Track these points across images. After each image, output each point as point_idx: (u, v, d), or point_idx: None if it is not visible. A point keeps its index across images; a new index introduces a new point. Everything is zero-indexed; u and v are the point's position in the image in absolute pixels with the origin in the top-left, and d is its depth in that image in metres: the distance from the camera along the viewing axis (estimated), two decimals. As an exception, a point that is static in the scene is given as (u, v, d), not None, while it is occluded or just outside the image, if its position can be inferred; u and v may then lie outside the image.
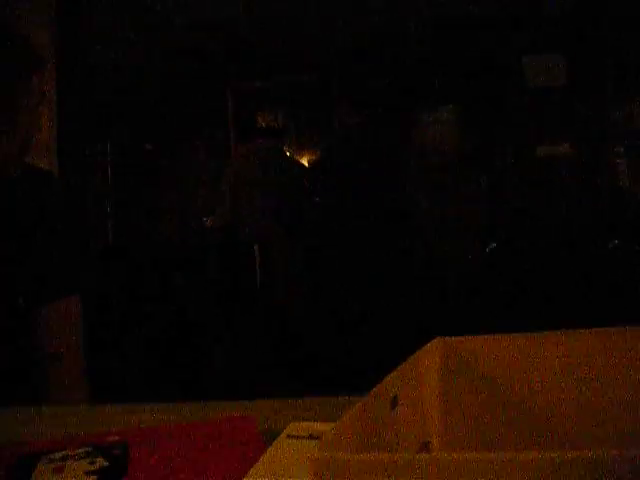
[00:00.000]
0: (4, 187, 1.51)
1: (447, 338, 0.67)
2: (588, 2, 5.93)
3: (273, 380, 3.98)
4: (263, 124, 5.04)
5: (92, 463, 0.89)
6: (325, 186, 4.80)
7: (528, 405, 0.62)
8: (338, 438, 0.46)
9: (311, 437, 0.88)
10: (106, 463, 0.89)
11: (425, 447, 0.62)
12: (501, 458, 0.38)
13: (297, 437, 0.89)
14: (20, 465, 0.90)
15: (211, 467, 0.87)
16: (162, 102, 6.97)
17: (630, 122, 6.08)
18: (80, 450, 0.92)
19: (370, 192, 4.49)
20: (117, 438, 0.97)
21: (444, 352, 0.65)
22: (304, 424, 0.92)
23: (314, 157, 6.80)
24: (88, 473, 0.86)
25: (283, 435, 0.90)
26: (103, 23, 5.44)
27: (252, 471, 0.80)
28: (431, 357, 0.65)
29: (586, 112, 6.12)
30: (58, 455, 0.91)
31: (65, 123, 3.22)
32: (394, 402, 0.58)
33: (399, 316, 4.17)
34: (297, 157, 6.92)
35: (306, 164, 6.82)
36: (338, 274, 4.54)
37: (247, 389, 3.71)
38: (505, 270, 5.01)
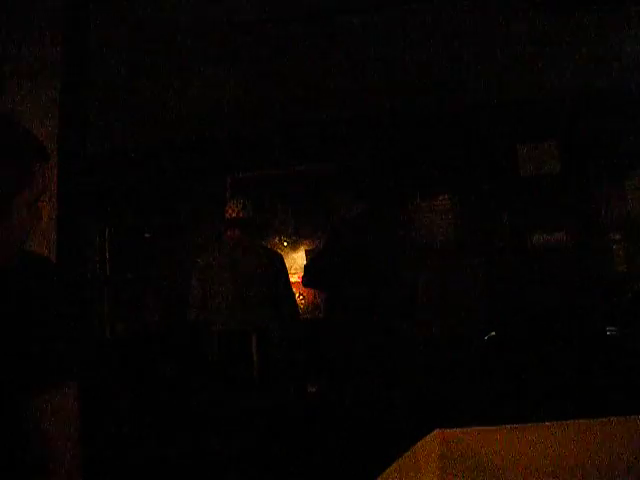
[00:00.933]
0: (2, 274, 1.50)
1: (446, 431, 0.67)
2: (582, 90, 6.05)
3: (271, 470, 3.93)
4: (233, 215, 4.95)
5: None
6: (323, 277, 4.80)
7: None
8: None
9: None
10: None
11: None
12: None
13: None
14: None
15: None
16: (165, 192, 7.05)
17: (625, 208, 6.14)
18: None
19: (369, 280, 4.51)
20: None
21: (443, 444, 0.65)
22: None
23: (311, 247, 6.82)
24: None
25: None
26: (103, 113, 5.55)
27: None
28: (430, 449, 0.65)
29: (580, 199, 6.18)
30: None
31: (65, 205, 3.25)
32: (394, 496, 0.58)
33: (398, 405, 4.13)
34: (295, 247, 6.95)
35: (303, 254, 6.85)
36: (335, 360, 4.52)
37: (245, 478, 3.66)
38: (504, 358, 4.98)
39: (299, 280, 6.64)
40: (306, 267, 5.01)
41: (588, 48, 5.28)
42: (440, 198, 6.57)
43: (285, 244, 6.96)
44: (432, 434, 0.67)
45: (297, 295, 6.53)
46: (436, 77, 5.77)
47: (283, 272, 4.99)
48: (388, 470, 0.58)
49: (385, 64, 5.45)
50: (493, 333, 5.26)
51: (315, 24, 4.75)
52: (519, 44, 5.18)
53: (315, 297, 6.52)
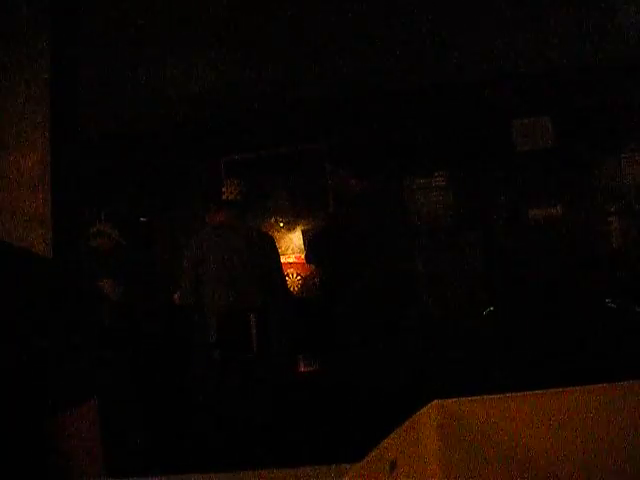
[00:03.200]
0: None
1: (444, 400, 0.67)
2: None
3: (271, 449, 3.94)
4: (227, 196, 4.94)
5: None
6: (326, 251, 4.81)
7: (527, 462, 0.62)
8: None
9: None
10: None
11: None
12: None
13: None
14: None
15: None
16: (158, 175, 7.03)
17: (621, 180, 6.14)
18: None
19: (368, 257, 4.52)
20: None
21: (441, 414, 0.65)
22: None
23: (307, 227, 6.81)
24: None
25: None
26: (97, 95, 5.52)
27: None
28: (429, 419, 0.65)
29: (576, 173, 6.18)
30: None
31: (60, 197, 3.24)
32: (393, 466, 0.58)
33: (396, 378, 4.15)
34: (291, 227, 6.94)
35: (300, 234, 6.84)
36: (335, 335, 4.54)
37: (247, 459, 3.67)
38: (503, 332, 5.00)
39: (296, 260, 6.65)
40: (309, 243, 5.03)
41: (583, 22, 5.26)
42: (436, 175, 6.56)
43: (281, 225, 6.95)
44: (430, 404, 0.67)
45: (295, 274, 6.54)
46: (430, 54, 5.74)
47: (274, 253, 5.00)
48: (386, 441, 0.58)
49: (378, 41, 5.43)
50: (491, 308, 5.27)
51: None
52: (513, 19, 5.15)
53: (313, 276, 6.52)
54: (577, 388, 0.64)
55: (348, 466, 0.80)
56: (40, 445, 1.41)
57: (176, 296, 5.00)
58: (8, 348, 1.37)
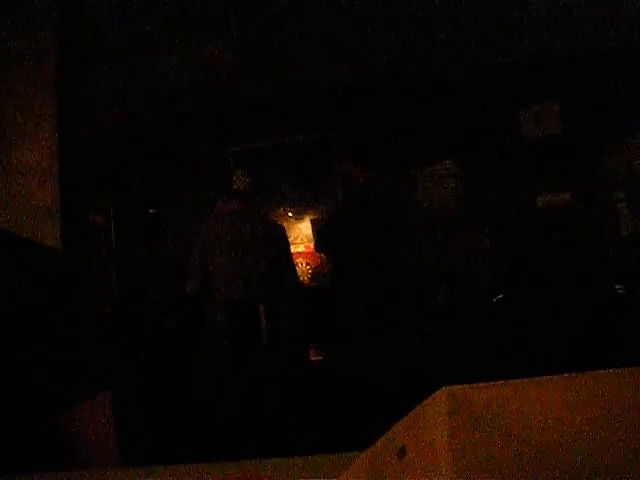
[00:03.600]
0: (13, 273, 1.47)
1: (453, 387, 0.66)
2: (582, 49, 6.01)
3: (281, 437, 3.95)
4: (236, 186, 4.95)
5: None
6: (335, 242, 4.81)
7: (539, 448, 0.61)
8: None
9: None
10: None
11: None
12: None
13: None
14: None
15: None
16: (166, 165, 7.04)
17: (629, 167, 6.11)
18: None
19: (377, 246, 4.51)
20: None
21: (451, 400, 0.65)
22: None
23: (316, 216, 6.81)
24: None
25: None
26: (105, 86, 5.53)
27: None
28: (438, 406, 0.65)
29: (585, 160, 6.16)
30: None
31: (68, 189, 3.24)
32: (402, 452, 0.57)
33: (405, 366, 4.15)
34: (300, 217, 6.93)
35: (309, 223, 6.84)
36: (344, 323, 4.54)
37: (254, 448, 3.68)
38: (512, 320, 4.99)
39: (305, 250, 6.66)
40: (318, 232, 5.02)
41: (591, 8, 5.23)
42: (445, 163, 6.54)
43: (290, 214, 6.95)
44: (439, 391, 0.66)
45: (304, 264, 6.55)
46: (437, 41, 5.73)
47: (285, 242, 4.99)
48: (394, 428, 0.57)
49: (387, 29, 5.41)
50: (501, 295, 5.26)
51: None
52: (520, 5, 5.13)
53: (322, 265, 6.53)
54: (590, 373, 0.64)
55: (357, 453, 0.79)
56: (55, 435, 1.42)
57: (187, 287, 5.01)
58: (20, 339, 1.40)
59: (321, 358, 5.27)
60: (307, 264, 6.56)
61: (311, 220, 6.83)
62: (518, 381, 0.64)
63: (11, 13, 3.31)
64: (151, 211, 7.27)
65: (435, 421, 0.62)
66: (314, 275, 6.56)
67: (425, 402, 0.63)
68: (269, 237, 4.88)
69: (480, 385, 0.64)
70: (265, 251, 4.81)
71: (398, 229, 4.61)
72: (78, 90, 3.49)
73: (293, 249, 6.54)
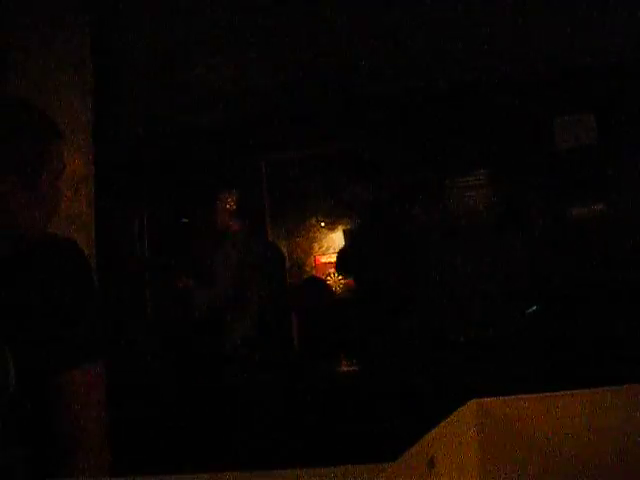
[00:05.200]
0: (29, 256, 1.54)
1: (483, 399, 0.67)
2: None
3: (310, 447, 3.95)
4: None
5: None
6: (367, 252, 4.81)
7: (567, 462, 0.62)
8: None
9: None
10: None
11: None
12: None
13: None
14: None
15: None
16: (200, 175, 7.08)
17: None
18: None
19: (408, 257, 4.51)
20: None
21: (480, 413, 0.65)
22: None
23: (348, 227, 6.81)
24: None
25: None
26: (138, 97, 5.59)
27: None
28: (468, 418, 0.65)
29: (619, 170, 6.11)
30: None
31: (103, 197, 3.28)
32: (431, 463, 0.58)
33: (436, 378, 4.14)
34: (332, 227, 6.94)
35: (341, 234, 6.83)
36: (374, 334, 4.54)
37: (285, 457, 3.68)
38: (546, 331, 4.96)
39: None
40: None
41: (624, 19, 5.20)
42: (477, 173, 6.52)
43: (322, 224, 6.96)
44: (469, 403, 0.67)
45: (337, 274, 6.54)
46: (472, 50, 5.71)
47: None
48: (424, 439, 0.58)
49: (417, 36, 5.41)
50: (534, 307, 5.23)
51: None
52: (555, 14, 5.11)
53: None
54: (621, 387, 0.64)
55: (387, 465, 0.80)
56: (46, 402, 1.52)
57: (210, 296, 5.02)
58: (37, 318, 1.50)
59: (351, 368, 5.27)
60: (337, 275, 6.55)
61: (344, 231, 6.83)
62: (548, 395, 0.64)
63: (49, 25, 3.36)
64: (184, 221, 7.30)
65: (464, 433, 0.63)
66: (346, 285, 6.55)
67: (455, 414, 0.64)
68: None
69: (509, 398, 0.65)
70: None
71: (430, 239, 4.61)
72: (113, 99, 3.53)
73: (325, 259, 6.55)
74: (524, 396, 0.66)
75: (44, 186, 1.53)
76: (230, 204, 4.92)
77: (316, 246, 6.96)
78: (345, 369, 5.23)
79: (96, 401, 1.57)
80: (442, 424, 0.63)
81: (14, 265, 1.52)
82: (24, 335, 1.48)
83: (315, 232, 6.64)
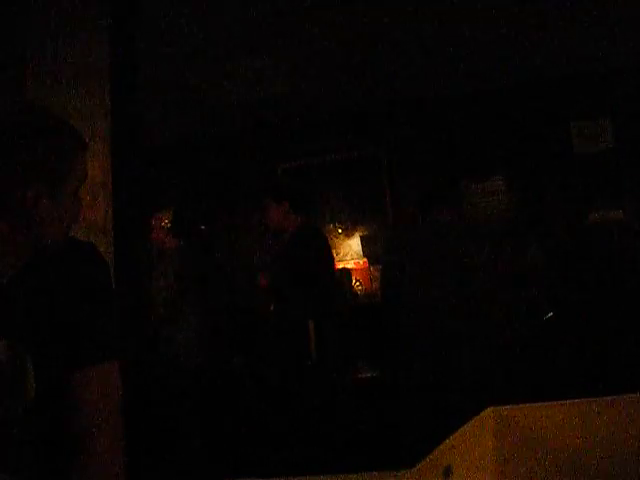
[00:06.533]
0: (50, 259, 1.56)
1: (500, 407, 0.67)
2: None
3: (328, 455, 3.95)
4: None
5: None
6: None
7: (583, 469, 0.62)
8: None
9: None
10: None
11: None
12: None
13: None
14: None
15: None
16: (218, 182, 7.11)
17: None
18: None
19: (426, 262, 4.50)
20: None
21: (497, 421, 0.65)
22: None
23: (366, 233, 6.81)
24: None
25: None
26: (158, 103, 5.62)
27: None
28: (484, 426, 0.65)
29: (637, 176, 6.07)
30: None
31: (121, 205, 3.29)
32: (448, 471, 0.58)
33: (453, 386, 4.13)
34: (349, 233, 6.93)
35: (358, 240, 6.84)
36: (391, 341, 4.53)
37: (302, 465, 3.69)
38: (563, 338, 4.93)
39: (355, 266, 6.65)
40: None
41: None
42: (495, 178, 6.50)
43: (340, 231, 6.96)
44: (486, 411, 0.67)
45: (353, 281, 6.54)
46: (487, 55, 5.70)
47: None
48: (441, 447, 0.58)
49: (435, 44, 5.40)
50: (551, 314, 5.21)
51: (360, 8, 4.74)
52: (571, 19, 5.09)
53: (371, 283, 6.52)
54: (635, 396, 0.64)
55: (404, 472, 0.80)
56: (62, 398, 1.54)
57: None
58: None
59: (368, 375, 5.26)
60: (357, 280, 6.55)
61: (361, 237, 6.83)
62: (563, 403, 0.64)
63: (67, 34, 3.38)
64: (202, 227, 7.32)
65: (481, 441, 0.63)
66: (363, 292, 6.55)
67: (471, 422, 0.64)
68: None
69: (526, 406, 0.65)
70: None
71: (448, 245, 4.60)
72: (134, 107, 3.55)
73: (342, 265, 6.54)
74: (541, 404, 0.67)
75: (68, 195, 1.56)
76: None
77: (333, 252, 6.97)
78: (363, 375, 5.22)
79: (111, 401, 1.60)
80: (459, 432, 0.63)
81: (35, 267, 1.55)
82: (44, 336, 1.50)
83: (332, 238, 6.64)
